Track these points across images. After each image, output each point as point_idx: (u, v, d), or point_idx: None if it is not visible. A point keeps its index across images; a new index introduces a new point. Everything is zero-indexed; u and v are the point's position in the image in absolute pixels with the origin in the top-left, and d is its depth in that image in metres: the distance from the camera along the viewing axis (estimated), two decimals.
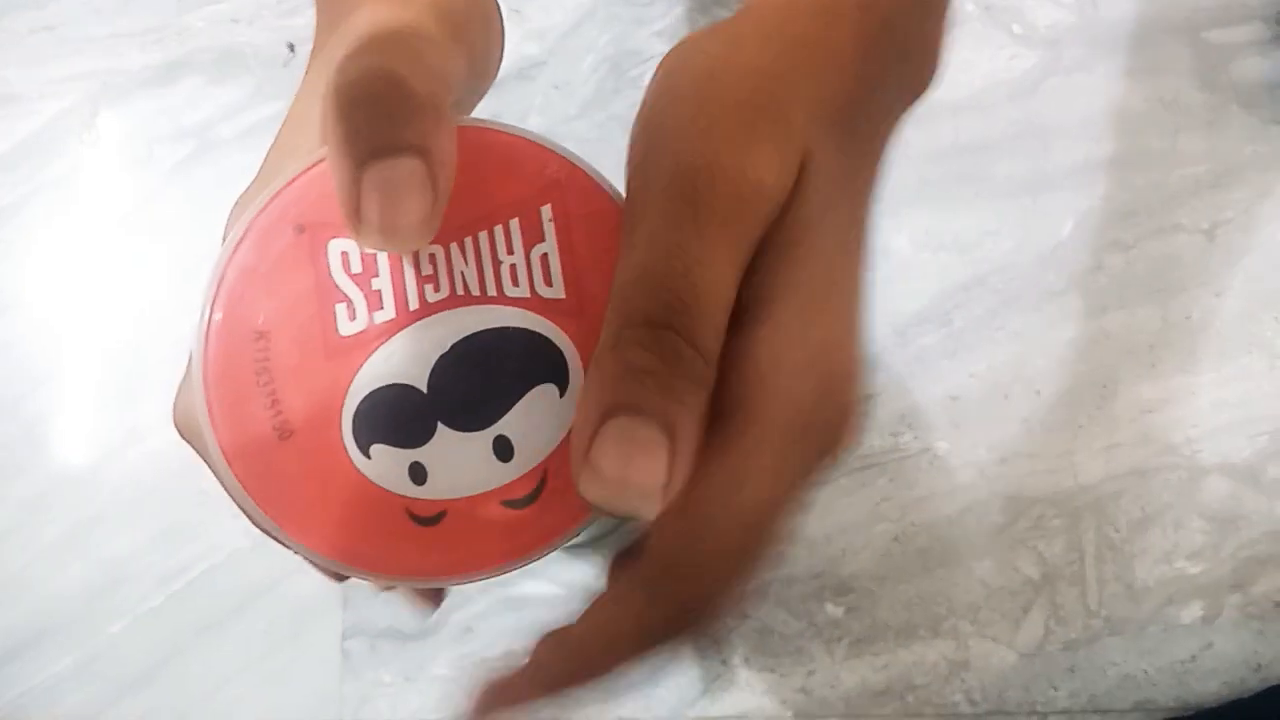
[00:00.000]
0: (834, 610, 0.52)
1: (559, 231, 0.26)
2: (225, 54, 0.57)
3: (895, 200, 0.53)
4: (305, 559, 0.26)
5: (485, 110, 0.55)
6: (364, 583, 0.25)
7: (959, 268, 0.53)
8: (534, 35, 0.54)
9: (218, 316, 0.25)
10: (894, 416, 0.52)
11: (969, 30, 0.54)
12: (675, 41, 0.58)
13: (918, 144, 0.53)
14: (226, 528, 0.52)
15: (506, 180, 0.26)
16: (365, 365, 0.25)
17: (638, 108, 0.22)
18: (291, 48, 0.56)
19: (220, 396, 0.25)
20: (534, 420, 0.25)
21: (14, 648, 0.52)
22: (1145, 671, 0.51)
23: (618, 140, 0.53)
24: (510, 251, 0.26)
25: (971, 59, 0.49)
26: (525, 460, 0.25)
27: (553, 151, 0.27)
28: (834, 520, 0.52)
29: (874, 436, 0.52)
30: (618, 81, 0.53)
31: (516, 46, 0.54)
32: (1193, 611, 0.51)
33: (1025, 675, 0.51)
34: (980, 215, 0.53)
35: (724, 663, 0.52)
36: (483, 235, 0.26)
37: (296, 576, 0.51)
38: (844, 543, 0.52)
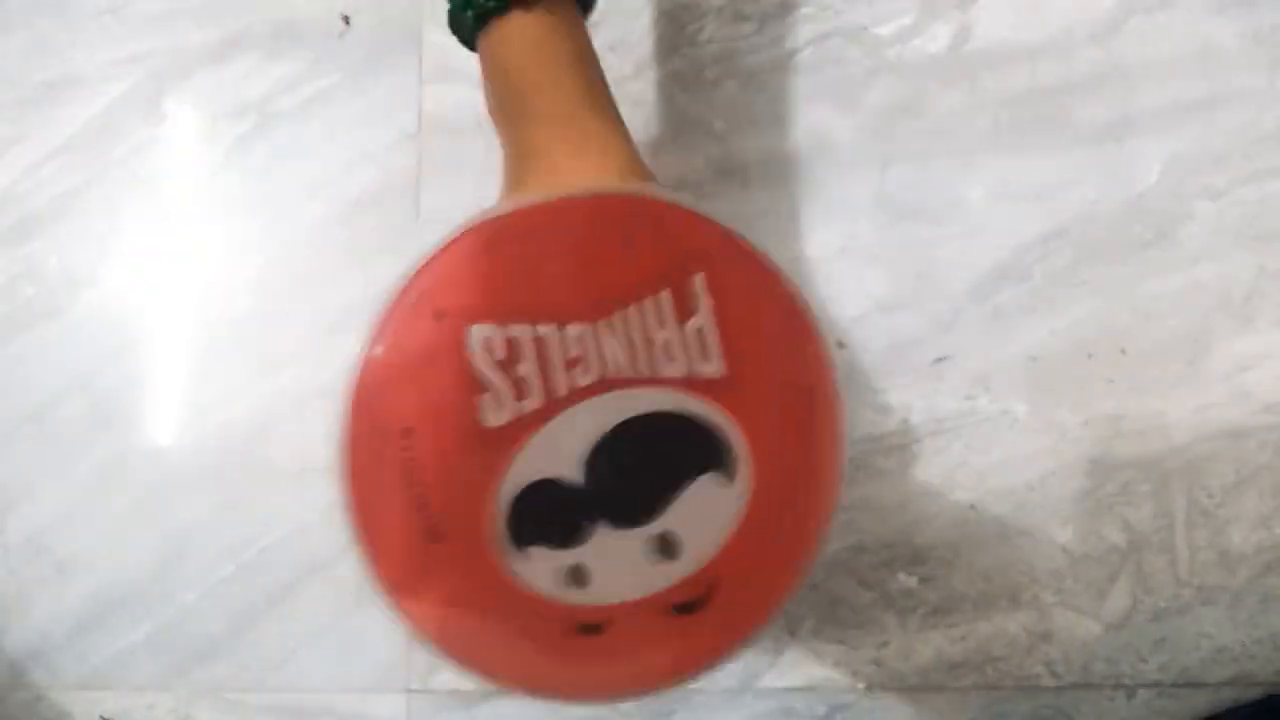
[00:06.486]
0: (907, 580, 0.50)
1: (715, 302, 0.24)
2: (281, 27, 0.57)
3: (969, 148, 0.51)
4: (458, 672, 0.24)
5: None
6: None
7: (1038, 219, 0.50)
8: None
9: (361, 411, 0.24)
10: (970, 378, 0.50)
11: None
12: None
13: (992, 88, 0.51)
14: (293, 500, 0.52)
15: (654, 249, 0.25)
16: (515, 460, 0.24)
17: None
18: (346, 19, 0.56)
19: (366, 499, 0.24)
20: (699, 513, 0.24)
21: (91, 618, 0.54)
22: (1242, 643, 0.48)
23: (677, 99, 0.52)
24: (662, 326, 0.24)
25: None
26: (693, 559, 0.24)
27: (703, 217, 0.25)
28: (906, 487, 0.50)
29: (949, 400, 0.50)
30: (675, 38, 0.52)
31: None
32: None
33: (1111, 647, 0.49)
34: (1060, 162, 0.50)
35: (792, 634, 0.50)
36: (632, 309, 0.24)
37: None
38: (917, 510, 0.50)
